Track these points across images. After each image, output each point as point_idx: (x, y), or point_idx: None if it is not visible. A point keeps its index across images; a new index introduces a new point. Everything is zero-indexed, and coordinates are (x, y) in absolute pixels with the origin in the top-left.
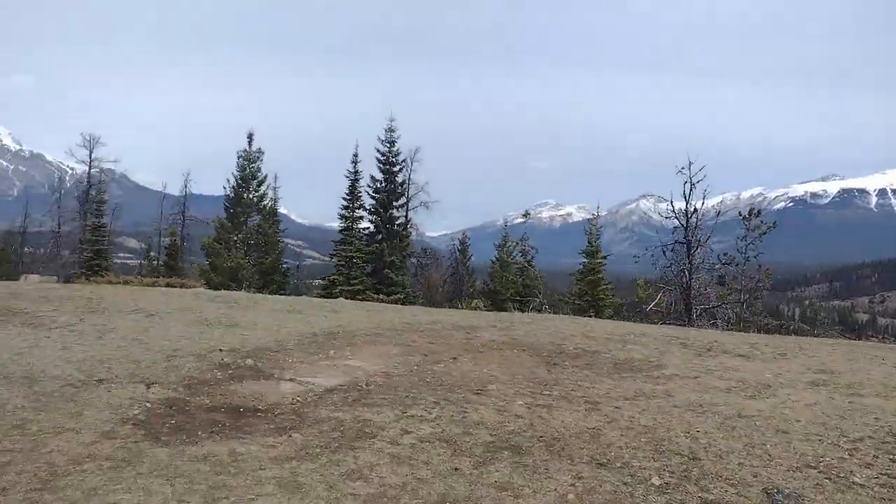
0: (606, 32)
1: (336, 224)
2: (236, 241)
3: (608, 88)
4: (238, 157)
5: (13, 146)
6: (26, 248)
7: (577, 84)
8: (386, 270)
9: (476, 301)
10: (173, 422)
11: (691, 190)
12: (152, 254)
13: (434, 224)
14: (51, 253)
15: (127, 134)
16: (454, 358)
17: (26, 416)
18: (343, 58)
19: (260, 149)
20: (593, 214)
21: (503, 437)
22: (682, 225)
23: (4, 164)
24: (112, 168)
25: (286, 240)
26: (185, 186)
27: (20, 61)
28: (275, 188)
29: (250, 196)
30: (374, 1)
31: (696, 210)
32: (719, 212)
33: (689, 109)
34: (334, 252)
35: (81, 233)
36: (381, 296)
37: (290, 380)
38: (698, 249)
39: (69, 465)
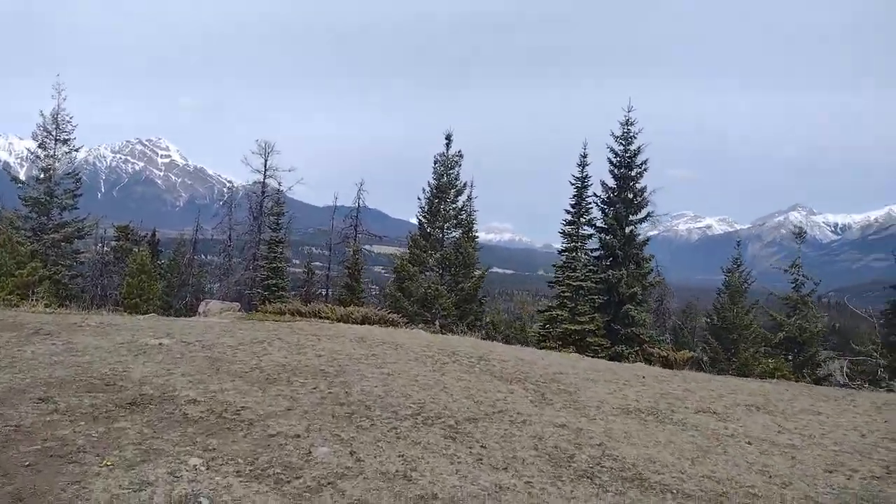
0: (749, 45)
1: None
2: (433, 262)
3: (754, 98)
4: (434, 163)
5: (180, 161)
6: (196, 256)
7: (721, 93)
8: (627, 306)
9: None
10: None
11: None
12: (314, 265)
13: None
14: (223, 267)
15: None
16: None
17: None
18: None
19: (459, 152)
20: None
21: None
22: None
23: (173, 178)
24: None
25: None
26: (358, 198)
27: (185, 85)
28: (471, 197)
29: (447, 208)
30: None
31: None
32: None
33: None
34: (555, 280)
35: (255, 247)
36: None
37: None
38: None
39: None
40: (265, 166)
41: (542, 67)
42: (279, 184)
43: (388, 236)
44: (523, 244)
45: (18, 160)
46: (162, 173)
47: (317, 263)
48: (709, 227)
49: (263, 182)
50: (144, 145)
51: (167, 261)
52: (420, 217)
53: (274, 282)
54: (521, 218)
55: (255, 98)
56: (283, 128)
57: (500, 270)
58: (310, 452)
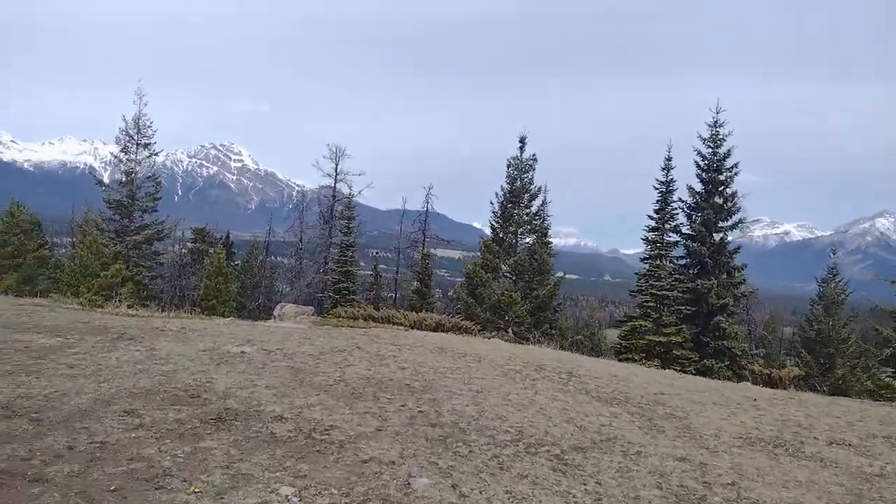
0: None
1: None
2: (506, 268)
3: (837, 95)
4: (507, 167)
5: (252, 165)
6: (268, 259)
7: (799, 90)
8: (717, 318)
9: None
10: None
11: None
12: (380, 267)
13: (626, 240)
14: (295, 269)
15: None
16: None
17: None
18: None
19: (534, 155)
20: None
21: None
22: None
23: (245, 181)
24: (348, 184)
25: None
26: (427, 202)
27: (259, 92)
28: (545, 202)
29: (521, 213)
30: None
31: None
32: None
33: None
34: (638, 289)
35: (326, 250)
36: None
37: None
38: None
39: None
40: (336, 170)
41: (601, 65)
42: (350, 188)
43: (454, 240)
44: (589, 249)
45: (103, 164)
46: (235, 177)
47: (382, 266)
48: (787, 232)
49: (334, 186)
50: (218, 150)
51: (241, 262)
52: (492, 222)
53: (345, 285)
54: (586, 222)
55: (319, 105)
56: (344, 131)
57: (565, 276)
58: (408, 483)
